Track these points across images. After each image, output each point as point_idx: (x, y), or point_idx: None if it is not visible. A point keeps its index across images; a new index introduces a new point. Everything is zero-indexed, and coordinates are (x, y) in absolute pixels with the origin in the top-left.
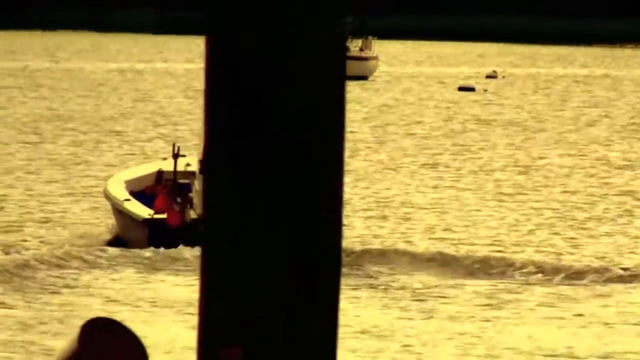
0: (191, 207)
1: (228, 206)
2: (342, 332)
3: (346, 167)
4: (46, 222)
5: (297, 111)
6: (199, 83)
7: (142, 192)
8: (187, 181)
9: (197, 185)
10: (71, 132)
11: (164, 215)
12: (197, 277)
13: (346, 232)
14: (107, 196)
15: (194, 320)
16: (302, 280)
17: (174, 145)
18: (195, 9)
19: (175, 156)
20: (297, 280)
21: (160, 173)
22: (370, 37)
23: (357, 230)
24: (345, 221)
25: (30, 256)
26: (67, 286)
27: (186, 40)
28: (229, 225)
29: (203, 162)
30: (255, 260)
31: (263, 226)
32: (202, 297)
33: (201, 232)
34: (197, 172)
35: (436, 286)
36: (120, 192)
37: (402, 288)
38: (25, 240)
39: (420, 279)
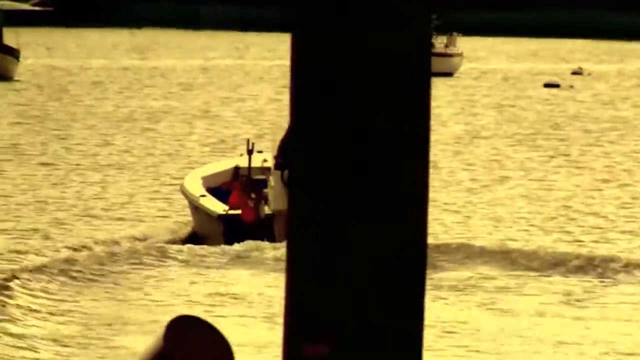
0: (266, 202)
1: (313, 203)
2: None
3: (437, 165)
4: (122, 219)
5: (383, 107)
6: (285, 80)
7: (219, 188)
8: (262, 177)
9: (272, 181)
10: (157, 129)
11: (239, 211)
12: (273, 273)
13: (437, 228)
14: (184, 192)
15: (274, 316)
16: (388, 277)
17: (248, 142)
18: (277, 5)
19: (250, 152)
20: (383, 278)
21: (237, 169)
22: (454, 34)
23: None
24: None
25: (108, 252)
26: (144, 282)
27: (269, 37)
28: (315, 222)
29: (277, 158)
30: (341, 257)
31: (349, 223)
32: (288, 295)
33: (285, 229)
34: (272, 168)
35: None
36: (197, 188)
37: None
38: (111, 235)
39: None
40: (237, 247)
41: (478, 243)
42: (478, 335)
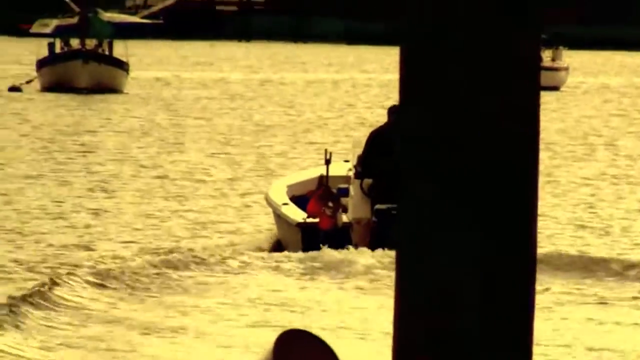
0: (344, 211)
1: (422, 217)
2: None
3: (549, 178)
4: (205, 226)
5: (491, 119)
6: (393, 94)
7: (304, 196)
8: (345, 186)
9: (352, 190)
10: (266, 142)
11: (316, 219)
12: (346, 280)
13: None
14: (268, 200)
15: (363, 328)
16: (498, 292)
17: (325, 151)
18: (379, 19)
19: (327, 162)
20: (493, 293)
21: (322, 177)
22: (560, 47)
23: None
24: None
25: (189, 257)
26: (225, 290)
27: (373, 50)
28: (423, 236)
29: (357, 167)
30: (450, 272)
31: (458, 237)
32: (397, 311)
33: (395, 242)
34: (353, 177)
35: None
36: (280, 197)
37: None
38: (208, 237)
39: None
40: (313, 254)
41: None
42: None
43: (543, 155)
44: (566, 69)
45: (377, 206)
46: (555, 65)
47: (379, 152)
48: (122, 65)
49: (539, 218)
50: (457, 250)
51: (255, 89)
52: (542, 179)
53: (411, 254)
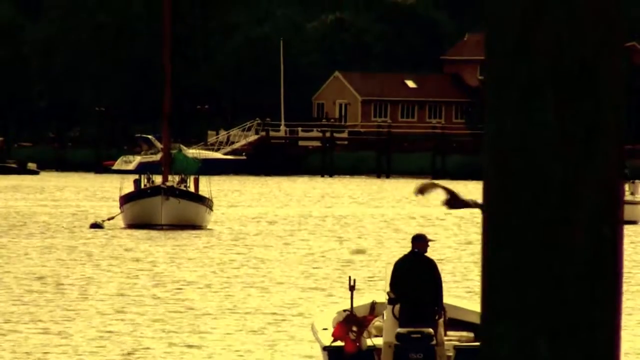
0: (368, 335)
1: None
2: None
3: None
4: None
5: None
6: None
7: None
8: (365, 314)
9: (385, 315)
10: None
11: (342, 343)
12: None
13: None
14: (312, 327)
15: None
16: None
17: (349, 278)
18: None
19: (351, 288)
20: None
21: (373, 304)
22: (637, 181)
23: None
24: None
25: None
26: None
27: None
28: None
29: (389, 294)
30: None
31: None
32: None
33: None
34: (386, 302)
35: None
36: (326, 322)
37: None
38: None
39: None
40: None
41: None
42: None
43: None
44: None
45: (398, 330)
46: (634, 199)
47: (405, 279)
48: (204, 201)
49: None
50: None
51: (333, 222)
52: None
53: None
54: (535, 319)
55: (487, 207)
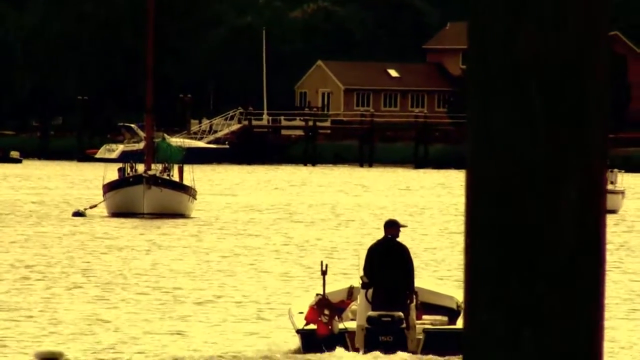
0: (340, 319)
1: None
2: None
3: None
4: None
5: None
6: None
7: (336, 306)
8: (343, 299)
9: (359, 299)
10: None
11: (315, 326)
12: None
13: None
14: (289, 312)
15: None
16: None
17: (321, 263)
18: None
19: (323, 273)
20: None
21: (351, 289)
22: (615, 170)
23: None
24: None
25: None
26: None
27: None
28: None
29: (363, 279)
30: None
31: None
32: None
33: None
34: (360, 287)
35: None
36: (302, 307)
37: None
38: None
39: None
40: (309, 356)
41: None
42: None
43: None
44: (622, 192)
45: (369, 313)
46: (614, 188)
47: (378, 264)
48: (187, 190)
49: None
50: None
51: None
52: None
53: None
54: (519, 310)
55: (470, 199)
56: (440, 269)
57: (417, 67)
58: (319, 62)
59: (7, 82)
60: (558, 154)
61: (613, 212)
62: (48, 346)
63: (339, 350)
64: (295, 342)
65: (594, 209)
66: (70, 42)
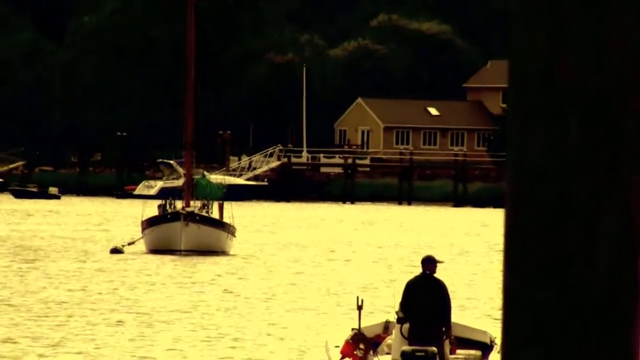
0: (375, 353)
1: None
2: None
3: None
4: None
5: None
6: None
7: (371, 340)
8: (379, 333)
9: (394, 334)
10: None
11: None
12: None
13: None
14: (326, 346)
15: None
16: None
17: (357, 298)
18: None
19: (359, 308)
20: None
21: (387, 323)
22: None
23: None
24: None
25: None
26: None
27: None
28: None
29: (398, 314)
30: None
31: None
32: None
33: None
34: (395, 322)
35: None
36: (339, 340)
37: None
38: None
39: None
40: None
41: None
42: None
43: None
44: None
45: (403, 348)
46: None
47: (414, 299)
48: (226, 227)
49: None
50: None
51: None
52: None
53: None
54: (554, 349)
55: (509, 236)
56: (477, 305)
57: (457, 105)
58: (359, 100)
59: (45, 117)
60: (596, 189)
61: None
62: None
63: None
64: None
65: (632, 249)
66: (109, 77)
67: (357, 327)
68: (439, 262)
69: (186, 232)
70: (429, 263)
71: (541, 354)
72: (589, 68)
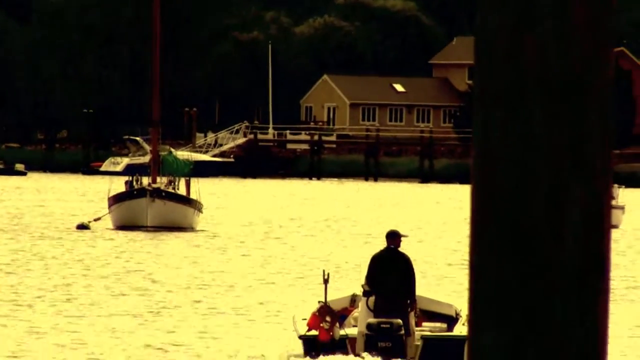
0: (341, 326)
1: None
2: None
3: None
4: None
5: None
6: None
7: (338, 313)
8: (345, 306)
9: (360, 306)
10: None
11: (316, 332)
12: None
13: None
14: (293, 318)
15: None
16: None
17: (323, 272)
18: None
19: (325, 282)
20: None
21: (354, 296)
22: (616, 185)
23: None
24: None
25: None
26: None
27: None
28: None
29: (365, 287)
30: None
31: None
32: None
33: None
34: (361, 295)
35: None
36: (306, 313)
37: None
38: None
39: None
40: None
41: None
42: None
43: None
44: (622, 207)
45: (369, 320)
46: (615, 204)
47: (379, 273)
48: (192, 203)
49: None
50: None
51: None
52: None
53: None
54: (522, 329)
55: (474, 215)
56: (441, 282)
57: (423, 82)
58: (325, 77)
59: (11, 94)
60: (560, 171)
61: (615, 227)
62: None
63: (340, 356)
64: (298, 347)
65: (599, 227)
66: (75, 55)
67: (323, 300)
68: (403, 236)
69: (152, 208)
70: (394, 237)
71: (509, 332)
72: (555, 48)
